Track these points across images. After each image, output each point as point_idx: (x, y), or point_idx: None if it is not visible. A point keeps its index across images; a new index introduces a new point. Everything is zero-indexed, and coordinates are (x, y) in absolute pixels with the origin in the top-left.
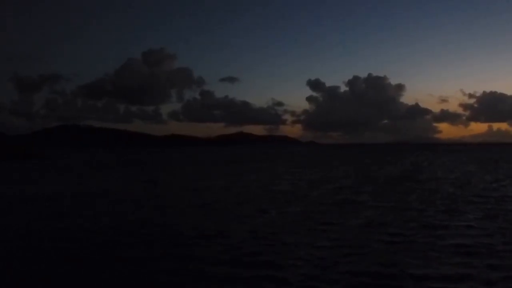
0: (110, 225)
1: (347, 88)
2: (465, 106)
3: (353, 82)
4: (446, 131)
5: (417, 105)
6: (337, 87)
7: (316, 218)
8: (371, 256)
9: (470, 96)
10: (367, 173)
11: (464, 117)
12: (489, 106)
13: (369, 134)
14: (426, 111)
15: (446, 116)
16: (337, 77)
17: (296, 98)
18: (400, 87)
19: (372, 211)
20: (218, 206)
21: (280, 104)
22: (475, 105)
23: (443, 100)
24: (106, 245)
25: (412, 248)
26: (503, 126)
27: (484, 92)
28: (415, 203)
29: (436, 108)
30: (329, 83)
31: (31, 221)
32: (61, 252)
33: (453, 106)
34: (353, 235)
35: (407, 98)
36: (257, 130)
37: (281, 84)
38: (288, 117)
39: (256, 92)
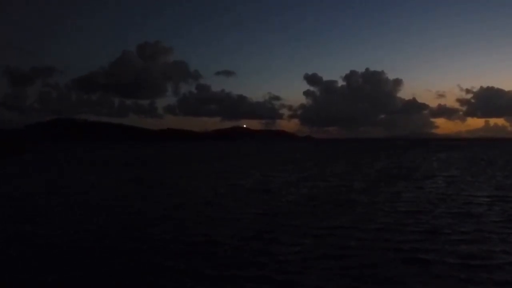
0: (72, 230)
1: (344, 83)
2: (462, 101)
3: (350, 76)
4: (443, 126)
5: (414, 100)
6: (334, 82)
7: (301, 220)
8: (356, 262)
9: (467, 91)
10: (359, 171)
11: (461, 112)
12: (486, 101)
13: (366, 129)
14: (423, 106)
15: (443, 111)
16: (335, 72)
17: (293, 92)
18: (397, 82)
19: (360, 213)
20: (198, 208)
21: (277, 98)
22: (472, 100)
23: (440, 95)
24: (61, 253)
25: (398, 250)
26: (500, 121)
27: (481, 87)
28: (408, 204)
29: (433, 103)
30: (326, 77)
31: None
32: (16, 259)
33: (450, 101)
34: (338, 237)
35: (404, 93)
36: (254, 124)
37: (278, 78)
38: (285, 112)
39: (253, 86)
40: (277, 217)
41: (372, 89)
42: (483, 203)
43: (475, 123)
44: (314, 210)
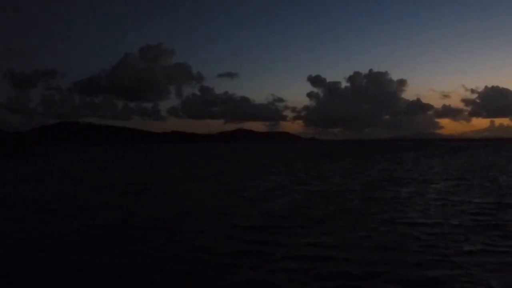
0: (48, 239)
1: (348, 84)
2: (467, 102)
3: (354, 77)
4: (448, 126)
5: (418, 100)
6: (338, 83)
7: (288, 234)
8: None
9: (472, 91)
10: (359, 174)
11: (466, 113)
12: (491, 101)
13: (370, 130)
14: (428, 107)
15: (448, 112)
16: (338, 73)
17: (296, 94)
18: (401, 83)
19: (353, 224)
20: (179, 219)
21: (280, 100)
22: (477, 100)
23: (445, 96)
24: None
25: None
26: (505, 121)
27: (486, 87)
28: (405, 212)
29: (438, 103)
30: (329, 78)
31: None
32: None
33: (455, 102)
34: (325, 257)
35: (409, 93)
36: (258, 126)
37: (281, 80)
38: (288, 113)
39: (256, 88)
40: (262, 231)
41: (376, 90)
42: (486, 213)
43: (480, 123)
44: (302, 223)
